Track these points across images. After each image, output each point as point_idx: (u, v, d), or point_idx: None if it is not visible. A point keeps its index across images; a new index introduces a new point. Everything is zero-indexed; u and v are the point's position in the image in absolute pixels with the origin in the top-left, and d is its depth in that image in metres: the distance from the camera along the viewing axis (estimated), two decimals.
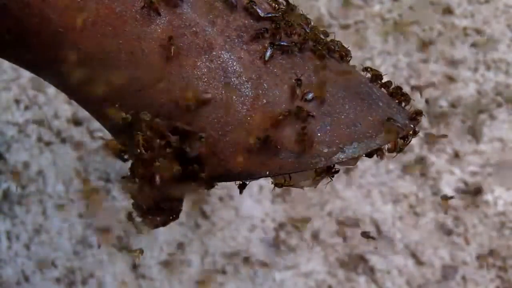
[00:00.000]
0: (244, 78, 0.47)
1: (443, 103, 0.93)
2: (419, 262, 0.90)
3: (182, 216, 0.49)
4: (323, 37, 0.51)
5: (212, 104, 0.46)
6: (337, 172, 0.51)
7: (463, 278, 0.89)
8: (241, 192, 0.51)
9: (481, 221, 0.90)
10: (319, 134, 0.46)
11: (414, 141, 0.54)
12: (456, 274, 0.89)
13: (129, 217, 0.48)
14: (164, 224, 0.49)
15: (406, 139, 0.52)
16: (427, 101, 0.92)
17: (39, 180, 0.92)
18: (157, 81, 0.47)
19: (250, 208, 0.91)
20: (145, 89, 0.47)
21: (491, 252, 0.89)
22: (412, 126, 0.50)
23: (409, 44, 0.96)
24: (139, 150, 0.46)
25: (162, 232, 0.90)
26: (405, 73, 0.95)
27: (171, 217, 0.48)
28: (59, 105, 0.94)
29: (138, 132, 0.46)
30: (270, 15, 0.50)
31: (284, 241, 0.90)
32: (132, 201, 0.48)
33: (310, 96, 0.47)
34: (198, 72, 0.47)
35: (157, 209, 0.47)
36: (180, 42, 0.47)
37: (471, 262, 0.89)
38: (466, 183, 0.91)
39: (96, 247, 0.90)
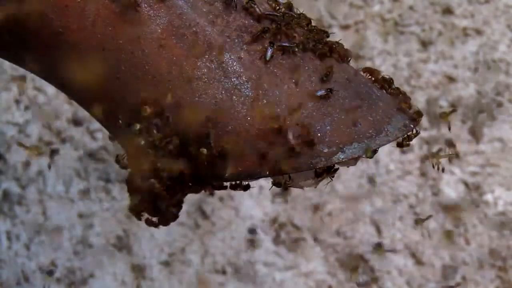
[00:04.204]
0: (244, 78, 0.47)
1: (443, 103, 0.93)
2: (419, 262, 0.90)
3: (182, 216, 0.49)
4: (323, 37, 0.51)
5: (212, 104, 0.47)
6: (336, 170, 0.51)
7: (463, 278, 0.89)
8: (247, 189, 0.51)
9: (481, 221, 0.90)
10: (319, 134, 0.47)
11: (414, 141, 0.54)
12: (456, 274, 0.89)
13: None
14: (164, 223, 0.49)
15: (408, 139, 0.52)
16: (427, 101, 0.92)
17: (39, 180, 0.92)
18: (157, 82, 0.47)
19: (250, 208, 0.91)
20: (145, 89, 0.47)
21: (491, 252, 0.89)
22: (412, 126, 0.50)
23: (409, 44, 0.96)
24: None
25: (162, 232, 0.90)
26: (405, 73, 0.95)
27: (171, 217, 0.48)
28: (59, 105, 0.94)
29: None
30: (270, 15, 0.50)
31: (284, 241, 0.90)
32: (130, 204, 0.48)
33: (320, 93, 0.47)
34: (198, 72, 0.47)
35: (157, 209, 0.48)
36: (181, 42, 0.47)
37: (471, 262, 0.89)
38: (466, 183, 0.91)
39: (96, 247, 0.90)
